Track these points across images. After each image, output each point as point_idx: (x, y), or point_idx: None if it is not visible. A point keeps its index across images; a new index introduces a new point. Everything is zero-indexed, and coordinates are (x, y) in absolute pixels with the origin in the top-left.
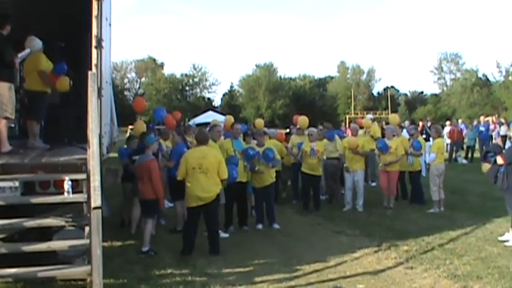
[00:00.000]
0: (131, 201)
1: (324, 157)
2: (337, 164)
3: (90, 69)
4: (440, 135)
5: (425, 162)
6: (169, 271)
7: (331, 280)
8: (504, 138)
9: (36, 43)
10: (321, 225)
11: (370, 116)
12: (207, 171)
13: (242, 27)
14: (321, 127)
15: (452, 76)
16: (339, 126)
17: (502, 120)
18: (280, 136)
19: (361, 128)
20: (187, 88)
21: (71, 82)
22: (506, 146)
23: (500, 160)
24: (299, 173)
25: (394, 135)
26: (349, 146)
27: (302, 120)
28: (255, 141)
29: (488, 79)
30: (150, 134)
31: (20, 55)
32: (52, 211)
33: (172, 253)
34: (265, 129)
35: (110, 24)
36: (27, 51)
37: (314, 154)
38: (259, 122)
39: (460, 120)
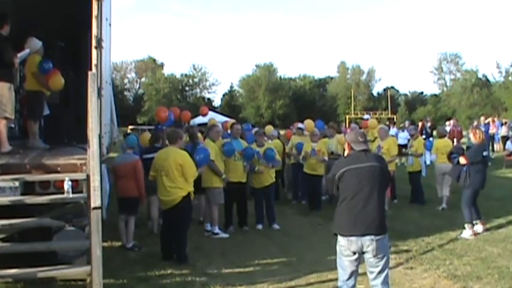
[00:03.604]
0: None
1: (325, 157)
2: None
3: (90, 69)
4: (441, 136)
5: (425, 162)
6: (169, 271)
7: (331, 280)
8: (505, 139)
9: (35, 43)
10: (321, 226)
11: (367, 116)
12: (167, 173)
13: (242, 27)
14: None
15: (452, 76)
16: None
17: (503, 120)
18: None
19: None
20: (187, 88)
21: (66, 80)
22: (506, 147)
23: (463, 160)
24: (298, 173)
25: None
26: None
27: (308, 123)
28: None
29: (488, 79)
30: (158, 135)
31: (19, 55)
32: (52, 211)
33: None
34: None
35: (110, 24)
36: (27, 51)
37: (314, 154)
38: (269, 128)
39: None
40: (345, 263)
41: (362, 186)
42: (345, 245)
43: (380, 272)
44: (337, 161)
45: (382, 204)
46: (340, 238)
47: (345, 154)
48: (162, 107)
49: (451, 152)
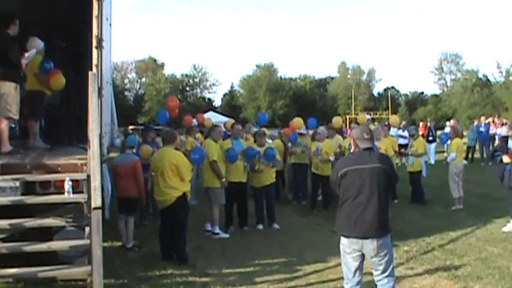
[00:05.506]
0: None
1: (331, 158)
2: None
3: (91, 69)
4: (458, 135)
5: (425, 162)
6: (169, 271)
7: (331, 280)
8: (505, 139)
9: (39, 43)
10: (321, 226)
11: (367, 116)
12: (162, 174)
13: (242, 27)
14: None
15: (453, 76)
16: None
17: (503, 121)
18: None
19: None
20: (187, 88)
21: (67, 80)
22: (509, 145)
23: (506, 159)
24: (299, 174)
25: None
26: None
27: (297, 121)
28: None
29: (488, 79)
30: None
31: (26, 55)
32: (52, 211)
33: None
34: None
35: (111, 24)
36: (33, 51)
37: (317, 153)
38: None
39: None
40: (348, 260)
41: (363, 188)
42: (346, 243)
43: (384, 271)
44: (339, 160)
45: (384, 206)
46: (341, 237)
47: (351, 151)
48: (172, 96)
49: (495, 150)
